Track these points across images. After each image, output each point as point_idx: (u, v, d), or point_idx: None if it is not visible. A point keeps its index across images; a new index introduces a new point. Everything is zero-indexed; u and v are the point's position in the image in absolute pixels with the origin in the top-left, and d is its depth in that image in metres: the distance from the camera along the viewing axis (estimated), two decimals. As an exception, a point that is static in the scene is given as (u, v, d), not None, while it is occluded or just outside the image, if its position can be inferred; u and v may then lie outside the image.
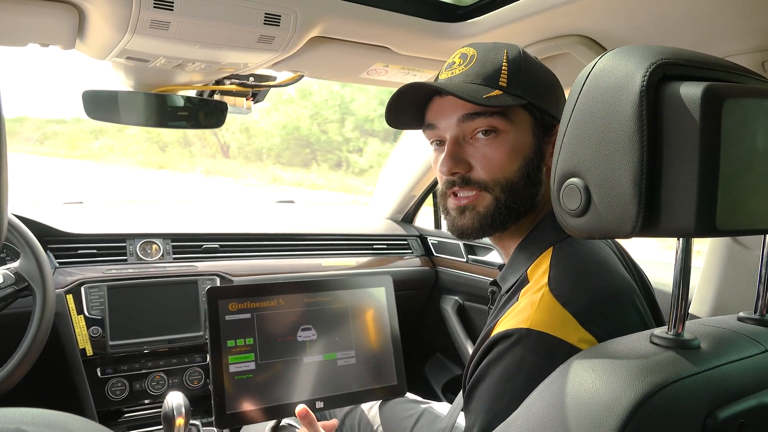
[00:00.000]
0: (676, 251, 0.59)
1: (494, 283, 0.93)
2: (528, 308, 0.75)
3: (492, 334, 0.77)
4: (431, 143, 0.93)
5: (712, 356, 0.58)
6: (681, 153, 0.53)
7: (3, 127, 0.37)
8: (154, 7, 0.99)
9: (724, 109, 0.52)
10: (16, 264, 1.43)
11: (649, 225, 0.55)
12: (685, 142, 0.52)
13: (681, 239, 0.59)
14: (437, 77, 0.90)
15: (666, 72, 0.55)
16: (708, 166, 0.51)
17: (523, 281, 0.82)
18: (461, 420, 0.98)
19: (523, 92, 0.84)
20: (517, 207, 0.86)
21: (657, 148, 0.54)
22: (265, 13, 1.06)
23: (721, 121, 0.51)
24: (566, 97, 0.94)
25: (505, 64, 0.85)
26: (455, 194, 0.88)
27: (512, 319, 0.76)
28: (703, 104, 0.51)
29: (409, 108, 0.91)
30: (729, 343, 0.62)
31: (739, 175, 0.53)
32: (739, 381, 0.58)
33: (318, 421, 1.30)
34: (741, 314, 0.72)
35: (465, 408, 0.80)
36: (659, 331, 0.61)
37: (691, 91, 0.52)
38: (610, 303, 0.77)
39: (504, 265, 0.92)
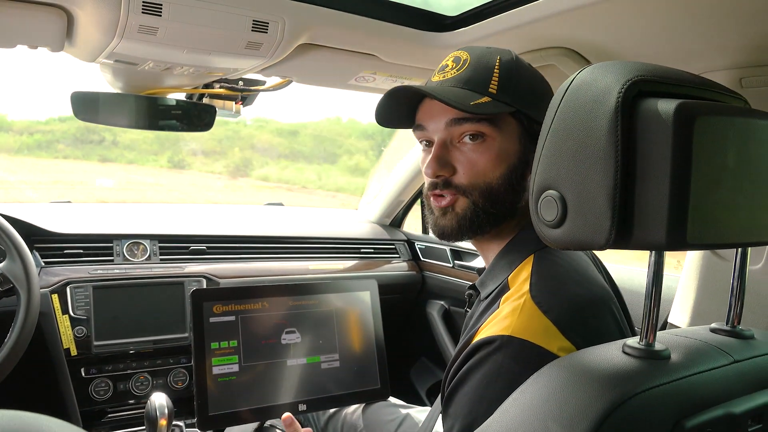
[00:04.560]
0: (649, 264, 0.61)
1: (473, 287, 0.93)
2: (509, 315, 0.75)
3: (473, 341, 0.78)
4: (420, 143, 0.94)
5: (681, 366, 0.60)
6: (653, 168, 0.54)
7: None
8: (143, 12, 0.99)
9: (696, 127, 0.53)
10: (1, 265, 1.43)
11: (623, 237, 0.56)
12: (657, 157, 0.53)
13: (653, 252, 0.60)
14: (429, 79, 0.91)
15: (641, 88, 0.56)
16: (679, 182, 0.52)
17: (504, 288, 0.82)
18: (439, 426, 0.99)
19: (512, 100, 0.85)
20: (495, 212, 0.87)
21: (631, 162, 0.55)
22: (253, 20, 1.06)
23: (692, 138, 0.52)
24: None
25: (497, 70, 0.85)
26: (436, 195, 0.89)
27: (494, 326, 0.76)
28: (675, 121, 0.52)
29: (399, 108, 0.92)
30: (699, 353, 0.64)
31: (710, 191, 0.54)
32: (708, 391, 0.59)
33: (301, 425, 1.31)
34: (713, 325, 0.73)
35: (444, 412, 0.81)
36: (632, 341, 0.62)
37: (664, 108, 0.53)
38: (589, 311, 0.78)
39: (483, 269, 0.93)
